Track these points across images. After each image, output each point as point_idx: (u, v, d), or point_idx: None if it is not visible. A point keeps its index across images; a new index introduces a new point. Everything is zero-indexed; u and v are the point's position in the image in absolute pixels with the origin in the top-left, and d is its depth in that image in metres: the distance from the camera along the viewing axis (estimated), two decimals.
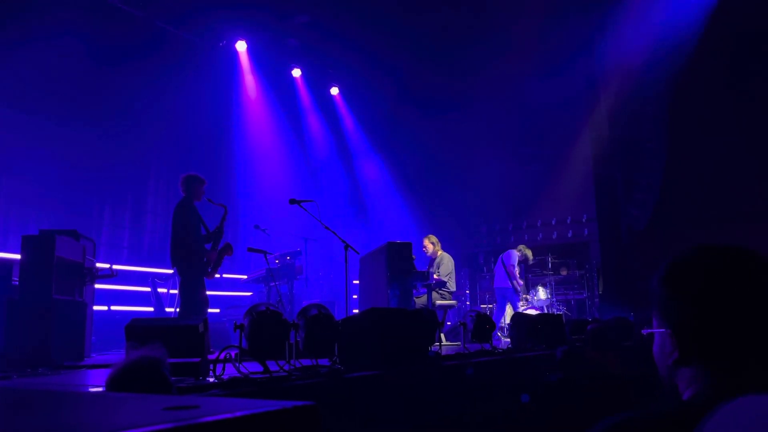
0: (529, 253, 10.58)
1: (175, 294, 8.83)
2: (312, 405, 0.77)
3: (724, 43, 10.79)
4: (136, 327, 3.41)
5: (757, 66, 10.63)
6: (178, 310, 8.39)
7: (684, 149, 11.55)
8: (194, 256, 6.45)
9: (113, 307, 8.78)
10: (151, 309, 8.91)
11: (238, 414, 0.70)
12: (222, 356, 3.47)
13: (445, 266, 8.69)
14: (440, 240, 9.32)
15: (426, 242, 9.02)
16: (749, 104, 10.86)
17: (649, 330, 1.20)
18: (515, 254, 10.40)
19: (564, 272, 12.22)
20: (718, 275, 1.10)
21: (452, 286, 8.70)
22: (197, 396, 2.73)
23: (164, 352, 2.25)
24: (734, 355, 1.07)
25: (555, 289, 11.56)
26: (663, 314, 1.16)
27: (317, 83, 13.09)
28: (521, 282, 10.47)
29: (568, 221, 13.91)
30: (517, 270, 10.82)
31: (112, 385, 2.07)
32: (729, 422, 0.89)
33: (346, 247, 6.91)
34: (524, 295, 11.08)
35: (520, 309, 10.18)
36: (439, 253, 8.92)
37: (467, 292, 13.55)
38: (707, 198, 11.38)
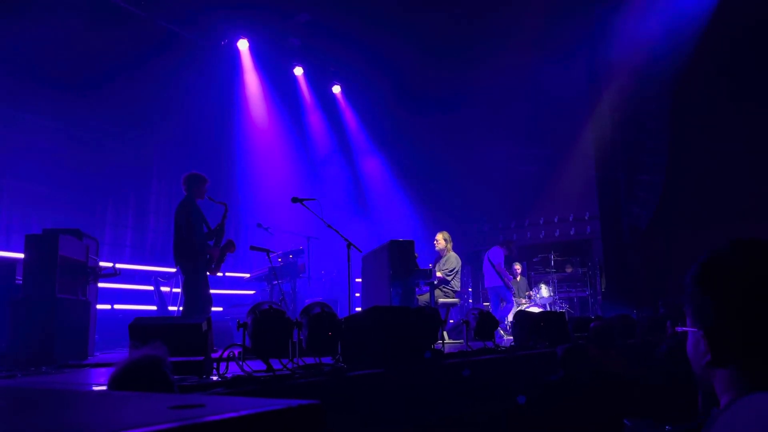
0: (509, 243, 10.62)
1: (177, 292, 8.84)
2: (316, 404, 0.77)
3: (727, 41, 10.77)
4: (139, 326, 3.42)
5: (760, 63, 10.60)
6: (181, 308, 8.41)
7: (686, 147, 11.53)
8: (197, 255, 6.46)
9: (116, 306, 8.80)
10: (154, 308, 8.93)
11: (243, 413, 0.71)
12: (225, 355, 3.48)
13: (450, 263, 8.67)
14: None
15: (439, 237, 8.96)
16: (752, 102, 10.83)
17: (683, 328, 1.14)
18: (501, 251, 10.39)
19: (568, 269, 12.21)
20: (754, 273, 1.02)
21: (456, 285, 8.68)
22: (201, 395, 2.74)
23: (165, 350, 2.26)
24: None
25: (558, 287, 11.55)
26: (696, 314, 1.09)
27: (319, 81, 13.09)
28: (511, 277, 10.47)
29: (571, 219, 13.90)
30: (518, 268, 10.82)
31: (113, 384, 2.08)
32: (741, 417, 0.88)
33: (349, 245, 6.91)
34: (527, 292, 11.08)
35: (522, 307, 10.18)
36: (449, 251, 8.90)
37: (470, 290, 13.55)
38: (710, 196, 11.36)
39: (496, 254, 10.34)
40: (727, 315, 1.03)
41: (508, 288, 10.28)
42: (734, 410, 0.89)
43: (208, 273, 6.61)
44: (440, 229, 9.25)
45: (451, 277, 8.59)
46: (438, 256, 8.94)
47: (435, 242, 8.99)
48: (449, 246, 8.94)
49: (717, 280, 1.06)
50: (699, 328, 1.08)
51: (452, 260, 8.74)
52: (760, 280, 1.01)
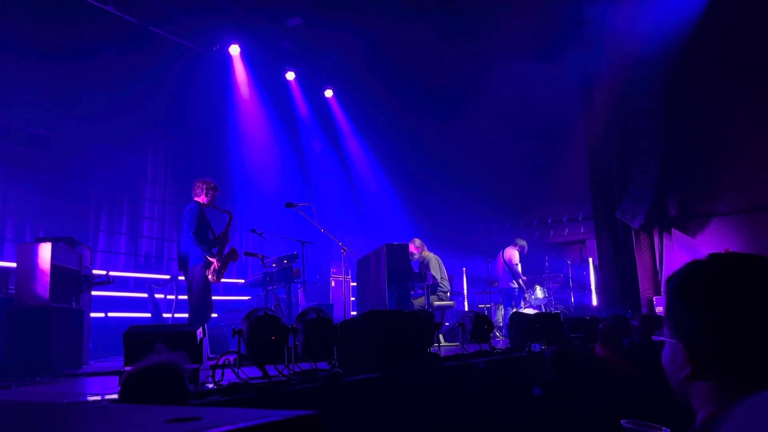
0: (524, 243, 10.59)
1: (172, 299, 8.81)
2: (314, 414, 0.76)
3: (719, 35, 10.80)
4: (133, 334, 3.40)
5: (753, 58, 10.65)
6: (175, 315, 8.39)
7: (680, 145, 11.57)
8: (202, 261, 6.46)
9: (110, 314, 8.75)
10: (148, 315, 8.89)
11: (240, 425, 0.70)
12: (221, 362, 3.47)
13: (433, 266, 8.66)
14: (435, 240, 9.26)
15: (411, 247, 8.90)
16: (745, 97, 10.88)
17: (660, 337, 1.12)
18: (515, 252, 10.38)
19: (566, 266, 12.22)
20: (734, 287, 1.01)
21: (446, 285, 8.68)
22: (197, 404, 2.73)
23: (188, 361, 2.25)
24: (752, 372, 0.98)
25: (552, 288, 11.57)
26: (675, 326, 1.08)
27: (311, 86, 13.08)
28: (525, 278, 10.47)
29: (564, 219, 13.94)
30: (519, 267, 10.82)
31: (127, 386, 2.06)
32: (747, 418, 0.87)
33: (344, 249, 6.91)
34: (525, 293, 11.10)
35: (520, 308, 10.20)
36: (425, 254, 8.88)
37: (464, 291, 13.55)
38: (703, 194, 11.41)
39: (511, 256, 10.32)
40: (708, 329, 1.02)
41: (523, 290, 10.24)
42: (739, 413, 0.89)
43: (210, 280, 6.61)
44: (434, 232, 9.24)
45: (438, 274, 8.57)
46: (419, 263, 8.89)
47: (411, 256, 8.88)
48: (423, 251, 8.93)
49: (696, 293, 1.05)
50: (678, 341, 1.07)
51: (433, 262, 8.75)
52: (740, 294, 1.00)
